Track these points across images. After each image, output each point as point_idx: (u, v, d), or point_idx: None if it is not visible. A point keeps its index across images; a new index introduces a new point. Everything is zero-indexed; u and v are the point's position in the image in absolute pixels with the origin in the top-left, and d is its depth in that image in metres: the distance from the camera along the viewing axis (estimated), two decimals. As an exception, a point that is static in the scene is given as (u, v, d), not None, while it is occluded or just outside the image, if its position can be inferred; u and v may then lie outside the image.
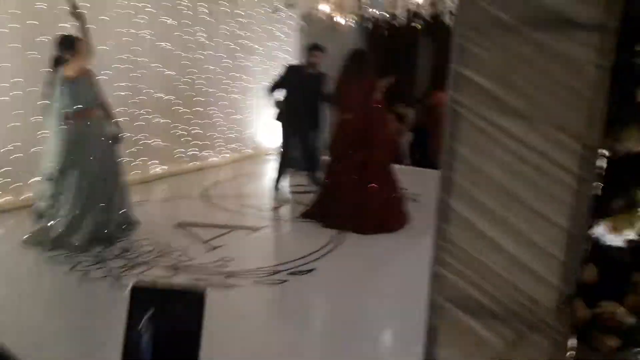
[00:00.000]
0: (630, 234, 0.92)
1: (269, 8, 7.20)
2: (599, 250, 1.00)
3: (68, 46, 3.87)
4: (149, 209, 5.35)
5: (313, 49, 5.72)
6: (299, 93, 5.51)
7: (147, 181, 6.23)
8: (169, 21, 6.24)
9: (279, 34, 8.15)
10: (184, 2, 6.27)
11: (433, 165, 9.85)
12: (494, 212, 1.09)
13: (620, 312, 0.98)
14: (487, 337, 1.15)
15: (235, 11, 7.16)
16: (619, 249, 0.99)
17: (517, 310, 1.10)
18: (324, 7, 7.02)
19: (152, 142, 6.32)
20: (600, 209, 0.94)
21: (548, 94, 0.99)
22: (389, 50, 10.41)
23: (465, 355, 1.19)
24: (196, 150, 7.01)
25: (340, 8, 7.32)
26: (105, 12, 5.45)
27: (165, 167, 6.57)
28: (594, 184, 0.95)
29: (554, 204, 0.99)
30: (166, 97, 6.42)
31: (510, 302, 1.11)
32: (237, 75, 7.42)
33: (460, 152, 1.10)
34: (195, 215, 5.03)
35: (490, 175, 1.08)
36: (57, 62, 3.91)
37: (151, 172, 6.38)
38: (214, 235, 4.43)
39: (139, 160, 6.18)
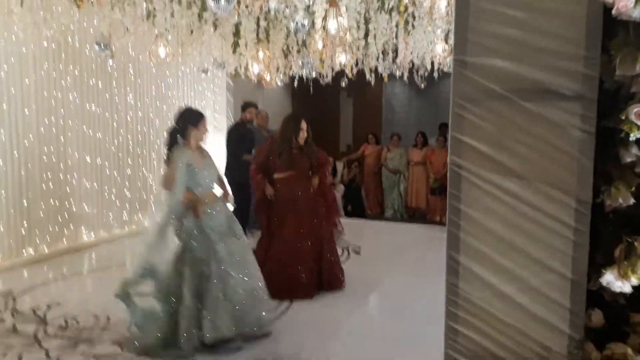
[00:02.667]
0: (635, 280, 1.03)
1: (196, 68, 7.26)
2: (600, 295, 1.10)
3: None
4: (81, 280, 5.00)
5: (248, 106, 5.87)
6: (241, 148, 5.67)
7: (77, 250, 5.85)
8: (95, 82, 6.09)
9: (206, 92, 8.20)
10: (112, 64, 6.16)
11: (366, 216, 10.11)
12: (501, 265, 1.17)
13: (630, 353, 1.07)
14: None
15: (164, 72, 7.14)
16: (621, 293, 1.09)
17: (530, 357, 1.17)
18: (255, 67, 7.20)
19: (80, 208, 5.98)
20: (603, 258, 1.05)
21: (540, 155, 1.11)
22: (314, 108, 10.77)
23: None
24: (128, 215, 6.72)
25: (269, 68, 7.52)
26: (28, 75, 5.23)
27: (95, 234, 6.22)
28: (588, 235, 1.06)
29: (555, 255, 1.09)
30: (94, 160, 6.17)
31: (524, 351, 1.17)
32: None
33: (463, 210, 1.18)
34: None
35: (493, 230, 1.16)
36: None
37: (80, 240, 6.00)
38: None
39: (67, 229, 5.80)
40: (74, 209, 5.93)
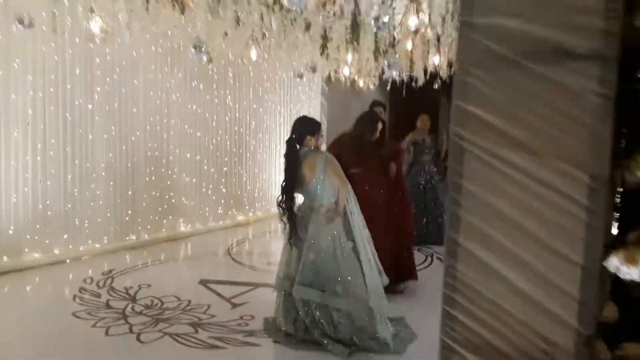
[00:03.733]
0: None
1: (292, 72, 7.49)
2: (618, 287, 0.95)
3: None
4: (174, 267, 5.39)
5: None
6: None
7: (174, 239, 6.30)
8: (197, 84, 6.53)
9: (302, 96, 8.42)
10: (212, 67, 6.57)
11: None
12: (505, 248, 1.05)
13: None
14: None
15: (261, 76, 7.46)
16: (639, 285, 0.93)
17: (533, 352, 1.04)
18: (346, 71, 7.24)
19: (179, 201, 6.44)
20: (615, 242, 0.90)
21: (552, 126, 0.98)
22: (411, 110, 10.57)
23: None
24: (223, 209, 7.11)
25: (359, 71, 7.54)
26: (137, 76, 5.75)
27: (192, 226, 6.66)
28: (608, 216, 0.92)
29: (566, 238, 0.96)
30: (194, 157, 6.61)
31: (525, 344, 1.05)
32: (262, 136, 7.63)
33: (466, 187, 1.09)
34: (220, 274, 5.04)
35: (498, 210, 1.05)
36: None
37: (178, 230, 6.46)
38: (237, 293, 4.39)
39: (166, 219, 6.28)
40: (174, 201, 6.40)
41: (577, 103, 0.96)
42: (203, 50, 5.17)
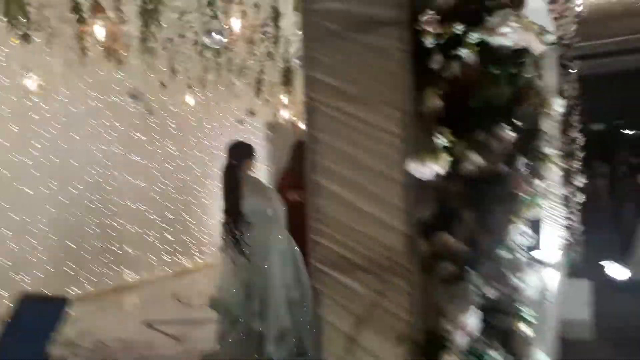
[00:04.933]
0: (436, 166, 1.15)
1: (233, 119, 7.79)
2: (433, 191, 1.22)
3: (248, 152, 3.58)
4: (119, 313, 5.36)
5: None
6: None
7: (121, 289, 6.26)
8: (138, 136, 6.71)
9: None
10: (153, 118, 6.78)
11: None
12: (351, 180, 1.32)
13: (453, 241, 1.16)
14: (359, 290, 1.31)
15: (202, 124, 7.72)
16: (450, 189, 1.20)
17: (378, 259, 1.28)
18: (284, 114, 7.61)
19: (124, 250, 6.45)
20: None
21: (374, 79, 1.28)
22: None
23: (345, 310, 1.33)
24: (169, 257, 7.12)
25: (299, 114, 7.94)
26: (76, 131, 5.89)
27: (138, 275, 6.63)
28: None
29: (389, 163, 1.23)
30: (138, 206, 6.68)
31: (372, 254, 1.29)
32: (207, 181, 7.79)
33: (319, 137, 1.36)
34: (167, 315, 5.05)
35: (343, 151, 1.32)
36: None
37: (124, 280, 6.42)
38: (184, 331, 4.43)
39: (111, 270, 6.25)
40: (119, 252, 6.40)
41: (388, 59, 1.26)
42: (140, 99, 5.41)
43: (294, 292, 3.35)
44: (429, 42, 1.18)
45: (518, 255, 1.15)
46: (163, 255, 7.06)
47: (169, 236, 7.14)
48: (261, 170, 4.81)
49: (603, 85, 12.09)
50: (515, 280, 1.15)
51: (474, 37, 1.18)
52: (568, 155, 7.53)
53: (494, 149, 1.16)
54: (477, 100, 1.18)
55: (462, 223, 1.19)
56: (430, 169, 1.15)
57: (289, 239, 3.54)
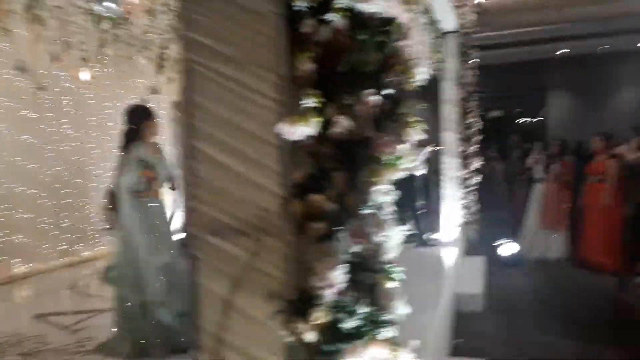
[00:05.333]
0: (305, 128, 1.19)
1: (137, 97, 7.43)
2: (305, 153, 1.25)
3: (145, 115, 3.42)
4: (7, 306, 4.98)
5: None
6: None
7: (10, 281, 5.80)
8: (30, 114, 6.20)
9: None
10: (45, 95, 6.29)
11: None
12: (228, 144, 1.32)
13: (324, 201, 1.21)
14: (235, 252, 1.32)
15: (103, 104, 7.29)
16: (321, 152, 1.25)
17: (254, 221, 1.30)
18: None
19: (13, 239, 5.97)
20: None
21: (250, 41, 1.28)
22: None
23: (221, 274, 1.34)
24: (66, 245, 6.69)
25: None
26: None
27: (30, 266, 6.18)
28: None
29: (266, 126, 1.24)
30: (28, 191, 6.20)
31: (248, 216, 1.30)
32: (108, 164, 7.39)
33: (196, 99, 1.34)
34: (62, 307, 4.76)
35: (220, 114, 1.32)
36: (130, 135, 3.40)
37: (13, 271, 5.96)
38: (77, 321, 4.21)
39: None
40: (6, 240, 5.92)
41: (262, 21, 1.27)
42: (29, 73, 5.00)
43: (164, 259, 3.26)
44: (299, 5, 1.20)
45: (381, 214, 1.22)
46: (58, 243, 6.61)
47: (65, 223, 6.70)
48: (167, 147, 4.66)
49: (501, 74, 12.99)
50: (378, 238, 1.21)
51: (343, 2, 1.22)
52: (466, 139, 8.03)
53: (360, 113, 1.21)
54: (345, 66, 1.23)
55: (331, 184, 1.23)
56: (299, 131, 1.18)
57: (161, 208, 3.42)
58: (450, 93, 7.84)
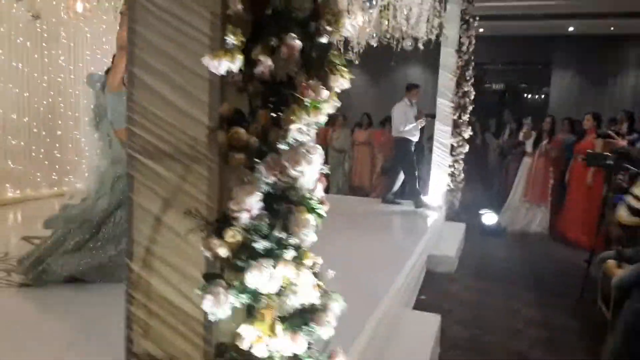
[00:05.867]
0: (229, 63, 1.29)
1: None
2: (234, 89, 1.36)
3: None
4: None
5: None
6: None
7: (2, 205, 5.99)
8: (23, 41, 6.23)
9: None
10: (41, 24, 6.31)
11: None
12: (162, 74, 1.42)
13: (245, 134, 1.32)
14: (166, 175, 1.45)
15: (100, 38, 7.30)
16: (248, 89, 1.35)
17: (184, 149, 1.42)
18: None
19: (5, 165, 6.13)
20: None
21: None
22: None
23: (153, 193, 1.48)
24: (57, 175, 6.86)
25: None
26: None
27: (21, 192, 6.36)
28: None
29: (198, 60, 1.34)
30: (21, 119, 6.31)
31: (180, 144, 1.43)
32: (102, 100, 7.46)
33: (137, 29, 1.43)
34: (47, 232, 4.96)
35: (157, 44, 1.42)
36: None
37: (5, 195, 6.14)
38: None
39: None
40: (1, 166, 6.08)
41: None
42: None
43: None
44: None
45: (298, 151, 1.34)
46: (51, 172, 6.78)
47: (57, 153, 6.84)
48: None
49: (508, 47, 12.80)
50: (294, 172, 1.33)
51: (272, -54, 1.29)
52: (458, 108, 8.05)
53: (284, 55, 1.31)
54: (274, 8, 1.31)
55: (255, 119, 1.35)
56: (223, 66, 1.28)
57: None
58: (448, 60, 7.81)
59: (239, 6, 1.29)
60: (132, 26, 1.44)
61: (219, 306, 1.31)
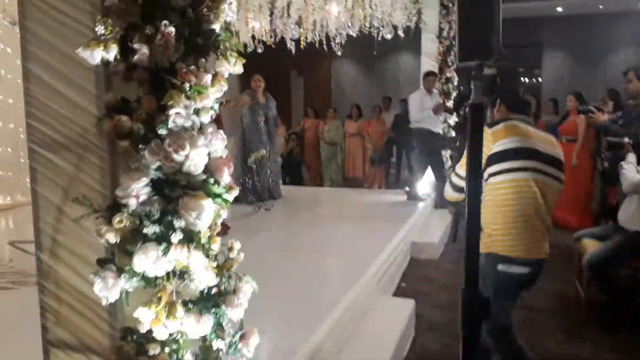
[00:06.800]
0: (103, 53, 1.32)
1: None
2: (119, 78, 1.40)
3: None
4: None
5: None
6: None
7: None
8: (2, 47, 6.32)
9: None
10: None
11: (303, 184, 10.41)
12: (52, 66, 1.47)
13: (129, 121, 1.36)
14: (63, 166, 1.50)
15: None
16: (132, 76, 1.39)
17: (77, 139, 1.46)
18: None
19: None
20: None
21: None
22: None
23: (54, 184, 1.52)
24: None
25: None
26: None
27: (11, 198, 6.47)
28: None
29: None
30: (6, 126, 6.41)
31: (72, 134, 1.47)
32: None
33: (28, 25, 1.49)
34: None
35: (45, 38, 1.48)
36: None
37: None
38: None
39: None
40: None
41: None
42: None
43: None
44: None
45: (181, 136, 1.37)
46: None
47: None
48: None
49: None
50: (178, 157, 1.37)
51: None
52: (442, 94, 8.03)
53: (160, 42, 1.34)
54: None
55: (140, 106, 1.38)
56: (97, 56, 1.32)
57: None
58: (429, 46, 7.79)
59: (112, -3, 1.33)
60: (22, 22, 1.48)
61: (108, 290, 1.36)
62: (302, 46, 7.51)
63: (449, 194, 2.76)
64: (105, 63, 1.36)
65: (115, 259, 1.42)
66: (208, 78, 1.40)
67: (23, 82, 1.52)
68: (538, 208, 2.52)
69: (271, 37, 8.20)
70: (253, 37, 8.21)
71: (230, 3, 1.43)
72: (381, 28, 7.69)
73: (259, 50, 8.04)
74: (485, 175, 2.51)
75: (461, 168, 2.58)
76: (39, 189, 1.56)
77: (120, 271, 1.40)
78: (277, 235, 5.44)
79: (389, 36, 7.51)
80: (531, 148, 2.50)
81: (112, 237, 1.37)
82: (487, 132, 2.47)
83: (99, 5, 1.38)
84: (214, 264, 1.53)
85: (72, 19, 1.42)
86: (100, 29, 1.31)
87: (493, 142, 2.48)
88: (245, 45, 8.05)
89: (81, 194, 1.42)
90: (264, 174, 6.83)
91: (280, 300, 3.28)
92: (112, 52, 1.33)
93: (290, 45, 7.96)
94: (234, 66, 1.47)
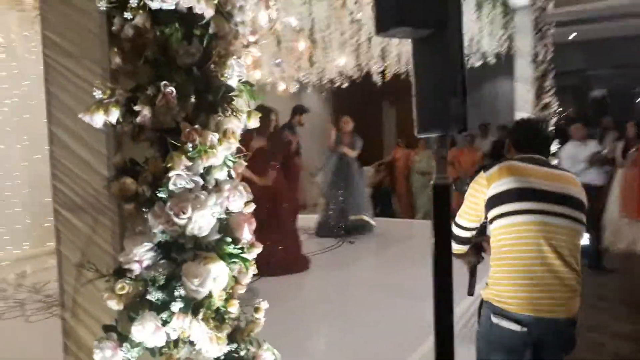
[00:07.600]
0: (104, 116, 1.30)
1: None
2: (127, 139, 1.37)
3: None
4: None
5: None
6: None
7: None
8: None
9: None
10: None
11: (394, 215, 10.14)
12: (70, 128, 1.52)
13: (132, 184, 1.32)
14: (80, 226, 1.50)
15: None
16: (139, 137, 1.36)
17: (91, 200, 1.45)
18: (257, 73, 7.69)
19: None
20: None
21: (82, 37, 1.45)
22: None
23: (73, 246, 1.53)
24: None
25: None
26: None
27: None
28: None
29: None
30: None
31: (86, 196, 1.47)
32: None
33: (50, 89, 1.54)
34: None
35: (65, 102, 1.52)
36: None
37: None
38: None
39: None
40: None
41: (90, 19, 1.41)
42: None
43: None
44: (101, 4, 1.31)
45: (183, 198, 1.31)
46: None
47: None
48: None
49: (605, 50, 11.67)
50: (180, 220, 1.30)
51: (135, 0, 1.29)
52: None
53: (160, 103, 1.30)
54: (147, 58, 1.32)
55: (146, 169, 1.34)
56: (99, 120, 1.30)
57: None
58: (523, 71, 7.30)
59: (117, 59, 1.32)
60: (47, 87, 1.54)
61: (107, 360, 1.31)
62: (385, 79, 7.44)
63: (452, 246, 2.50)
64: (113, 125, 1.35)
65: (119, 326, 1.37)
66: (214, 137, 1.33)
67: (49, 145, 1.56)
68: (544, 257, 2.16)
69: (358, 71, 8.23)
70: (340, 74, 8.31)
71: (239, 58, 1.36)
72: (471, 56, 7.39)
73: (344, 85, 8.10)
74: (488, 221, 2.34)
75: (460, 217, 2.38)
76: (62, 249, 1.58)
77: (124, 339, 1.35)
78: (358, 272, 5.31)
79: (478, 63, 7.18)
80: (530, 188, 2.20)
81: (114, 304, 1.33)
82: (482, 177, 2.29)
83: (108, 68, 1.38)
84: (227, 330, 1.43)
85: (86, 82, 1.45)
86: (98, 94, 1.30)
87: (488, 186, 2.26)
88: (331, 81, 8.18)
89: (86, 259, 1.41)
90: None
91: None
92: (114, 116, 1.31)
93: (376, 79, 7.93)
94: (247, 121, 1.39)
